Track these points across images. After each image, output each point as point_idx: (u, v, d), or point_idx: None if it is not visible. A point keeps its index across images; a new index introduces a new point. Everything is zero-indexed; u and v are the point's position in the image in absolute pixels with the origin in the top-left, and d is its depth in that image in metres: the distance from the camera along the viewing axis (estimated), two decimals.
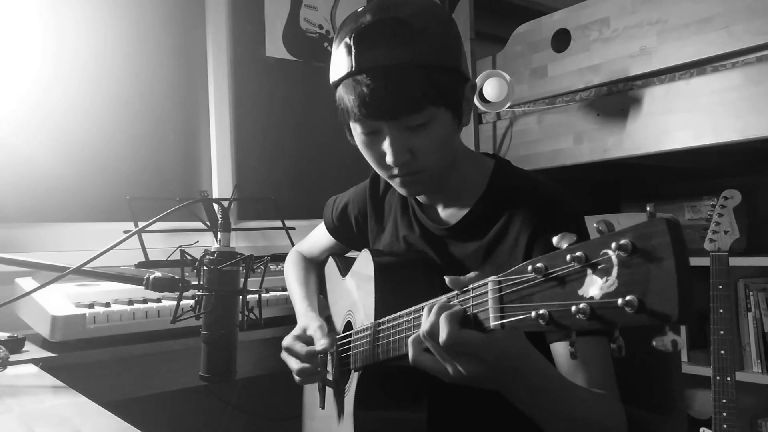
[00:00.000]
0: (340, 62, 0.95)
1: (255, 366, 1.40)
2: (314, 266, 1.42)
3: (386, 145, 0.96)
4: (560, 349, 0.92)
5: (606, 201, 2.84)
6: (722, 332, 1.72)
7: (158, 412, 1.60)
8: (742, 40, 1.60)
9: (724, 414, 1.69)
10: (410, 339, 0.77)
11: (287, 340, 1.16)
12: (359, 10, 0.96)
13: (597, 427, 0.85)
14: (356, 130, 1.00)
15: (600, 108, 1.92)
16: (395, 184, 1.04)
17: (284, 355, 1.17)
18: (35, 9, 1.68)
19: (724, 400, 1.70)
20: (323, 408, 1.21)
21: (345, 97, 0.95)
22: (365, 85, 0.91)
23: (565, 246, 0.55)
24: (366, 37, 0.92)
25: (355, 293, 1.14)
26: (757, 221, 2.27)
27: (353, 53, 0.92)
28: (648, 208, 0.49)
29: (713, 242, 1.78)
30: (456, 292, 0.74)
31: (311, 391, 1.32)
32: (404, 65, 0.90)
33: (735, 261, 1.87)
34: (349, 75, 0.93)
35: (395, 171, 0.99)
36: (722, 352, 1.71)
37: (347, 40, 0.93)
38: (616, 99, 1.88)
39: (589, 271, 0.52)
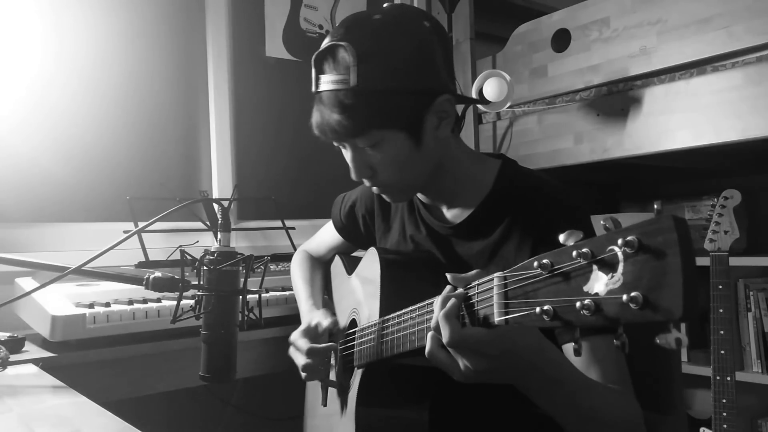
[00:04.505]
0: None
1: (255, 366, 1.40)
2: (320, 265, 1.42)
3: (348, 160, 1.02)
4: (572, 350, 0.92)
5: (606, 201, 2.84)
6: (722, 332, 1.72)
7: (158, 412, 1.60)
8: (742, 40, 1.60)
9: (724, 414, 1.69)
10: (429, 334, 0.77)
11: (294, 336, 1.18)
12: (336, 26, 1.00)
13: (615, 422, 0.85)
14: None
15: (600, 108, 1.92)
16: (374, 191, 1.08)
17: (291, 350, 1.19)
18: (35, 9, 1.68)
19: (724, 400, 1.70)
20: (325, 405, 1.21)
21: (312, 113, 1.01)
22: (317, 107, 0.98)
23: (571, 243, 0.55)
24: (318, 62, 0.98)
25: (360, 291, 1.15)
26: (757, 221, 2.28)
27: (312, 75, 0.99)
28: (656, 206, 0.49)
29: (713, 242, 1.78)
30: (461, 289, 0.74)
31: (313, 389, 1.32)
32: (346, 92, 0.94)
33: (735, 261, 1.86)
34: (313, 94, 1.00)
35: (365, 182, 1.05)
36: (722, 352, 1.71)
37: (312, 59, 0.99)
38: (616, 99, 1.88)
39: (595, 267, 0.52)
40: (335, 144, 1.04)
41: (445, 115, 1.00)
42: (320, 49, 0.97)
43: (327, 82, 0.95)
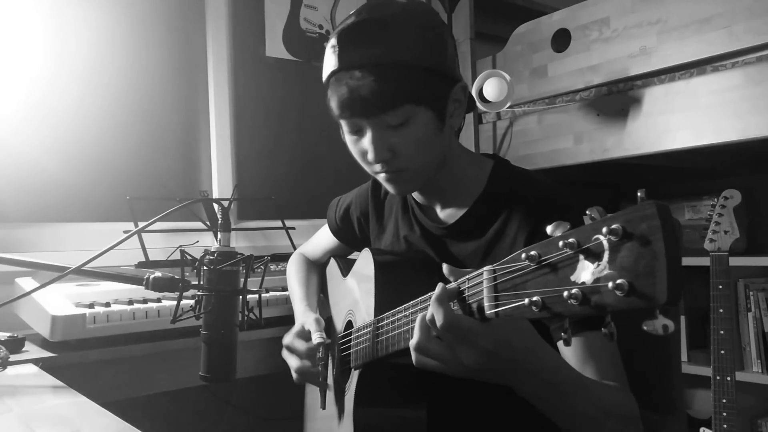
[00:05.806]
0: (327, 62, 0.99)
1: (255, 366, 1.40)
2: (316, 268, 1.42)
3: (367, 143, 0.98)
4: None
5: (606, 201, 2.84)
6: (722, 332, 1.72)
7: (158, 412, 1.60)
8: (742, 40, 1.60)
9: (724, 414, 1.69)
10: (420, 325, 0.76)
11: (287, 338, 1.18)
12: (351, 12, 0.99)
13: (613, 419, 0.85)
14: (344, 129, 1.03)
15: (600, 108, 1.92)
16: (382, 181, 1.05)
17: (285, 353, 1.18)
18: (35, 9, 1.68)
19: (724, 400, 1.70)
20: (324, 408, 1.21)
21: (329, 95, 0.99)
22: (344, 83, 0.94)
23: (558, 234, 0.55)
24: (347, 38, 0.95)
25: (355, 292, 1.14)
26: (757, 221, 2.27)
27: (336, 53, 0.96)
28: (639, 194, 0.50)
29: (713, 242, 1.78)
30: (453, 283, 0.74)
31: (312, 391, 1.32)
32: (380, 64, 0.93)
33: (735, 261, 1.86)
34: (332, 74, 0.97)
35: (378, 168, 1.01)
36: (722, 352, 1.71)
37: (333, 40, 0.97)
38: (616, 99, 1.88)
39: (581, 256, 0.52)
40: (347, 129, 1.00)
41: (458, 104, 1.02)
42: (348, 25, 0.96)
43: (360, 55, 0.94)
